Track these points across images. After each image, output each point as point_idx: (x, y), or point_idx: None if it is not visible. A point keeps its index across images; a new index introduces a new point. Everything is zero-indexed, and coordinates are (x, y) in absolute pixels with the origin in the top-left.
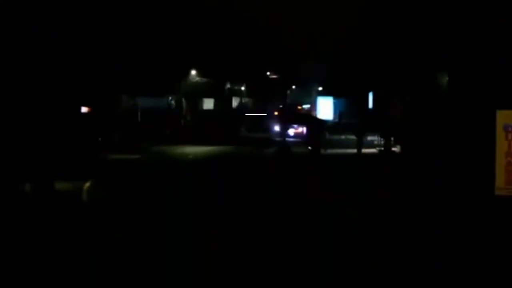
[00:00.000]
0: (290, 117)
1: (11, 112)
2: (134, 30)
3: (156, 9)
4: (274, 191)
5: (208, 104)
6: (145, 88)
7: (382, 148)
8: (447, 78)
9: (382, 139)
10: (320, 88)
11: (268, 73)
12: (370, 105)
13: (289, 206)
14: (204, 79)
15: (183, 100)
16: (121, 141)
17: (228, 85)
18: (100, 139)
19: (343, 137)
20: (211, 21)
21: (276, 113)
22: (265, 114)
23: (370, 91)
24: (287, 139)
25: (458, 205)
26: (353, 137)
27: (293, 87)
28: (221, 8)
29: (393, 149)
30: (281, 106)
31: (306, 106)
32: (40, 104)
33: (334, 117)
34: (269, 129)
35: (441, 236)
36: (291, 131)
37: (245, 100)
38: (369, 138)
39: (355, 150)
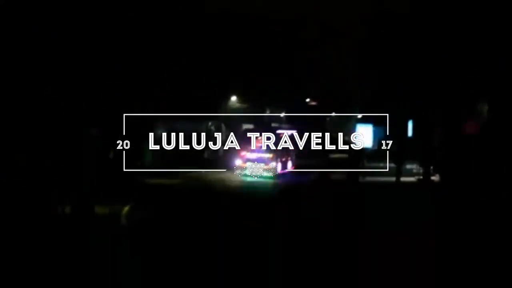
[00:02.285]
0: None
1: (53, 137)
2: (175, 57)
3: (196, 34)
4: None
5: None
6: (185, 113)
7: (421, 177)
8: (487, 107)
9: (421, 167)
10: (360, 116)
11: (307, 99)
12: (410, 133)
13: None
14: (244, 105)
15: (223, 125)
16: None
17: (268, 112)
18: (139, 163)
19: (381, 165)
20: (251, 49)
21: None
22: None
23: (409, 119)
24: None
25: (492, 229)
26: (392, 165)
27: (333, 114)
28: (260, 36)
29: (432, 178)
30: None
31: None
32: (81, 130)
33: (373, 145)
34: None
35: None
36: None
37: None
38: (408, 166)
39: (393, 178)
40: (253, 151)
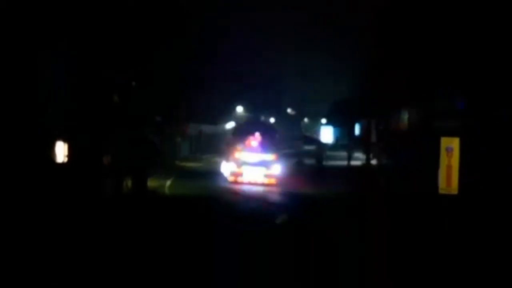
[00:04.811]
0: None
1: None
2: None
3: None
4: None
5: None
6: (207, 119)
7: (364, 162)
8: (407, 115)
9: (364, 155)
10: (324, 121)
11: (288, 109)
12: (357, 132)
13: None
14: (246, 113)
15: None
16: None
17: (262, 118)
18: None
19: (337, 153)
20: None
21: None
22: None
23: (356, 122)
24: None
25: (411, 199)
26: (344, 153)
27: (305, 120)
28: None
29: (371, 162)
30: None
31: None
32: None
33: (333, 140)
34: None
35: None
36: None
37: None
38: (355, 154)
39: (345, 162)
40: (250, 151)
